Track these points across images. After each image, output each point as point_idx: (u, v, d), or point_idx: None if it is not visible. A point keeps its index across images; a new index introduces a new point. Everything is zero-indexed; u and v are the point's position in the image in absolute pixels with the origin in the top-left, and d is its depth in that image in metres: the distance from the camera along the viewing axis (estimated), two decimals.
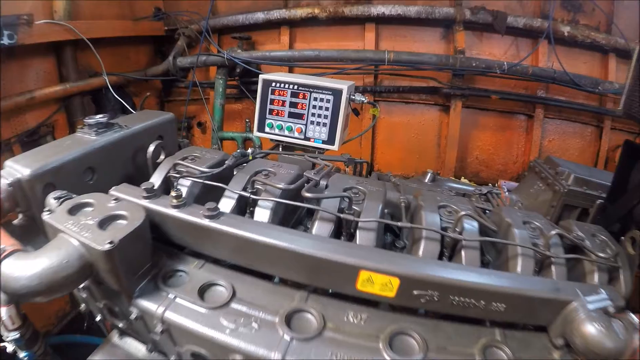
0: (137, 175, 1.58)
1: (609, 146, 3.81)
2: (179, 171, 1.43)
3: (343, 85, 1.73)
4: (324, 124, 1.78)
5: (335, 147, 1.79)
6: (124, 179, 1.61)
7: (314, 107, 1.77)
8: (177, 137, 3.78)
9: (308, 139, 1.82)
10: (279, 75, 1.85)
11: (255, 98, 1.86)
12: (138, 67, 3.96)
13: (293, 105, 1.80)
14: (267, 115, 1.85)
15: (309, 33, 3.62)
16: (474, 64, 3.14)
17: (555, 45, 3.39)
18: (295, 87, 1.78)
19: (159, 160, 1.64)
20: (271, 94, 1.82)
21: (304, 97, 1.78)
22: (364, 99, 1.87)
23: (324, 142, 1.80)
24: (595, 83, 3.50)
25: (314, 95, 1.76)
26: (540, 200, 2.05)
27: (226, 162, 1.37)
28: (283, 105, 1.81)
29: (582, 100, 3.69)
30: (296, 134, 1.82)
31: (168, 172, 1.41)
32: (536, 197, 2.10)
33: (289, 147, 1.95)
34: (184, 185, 1.34)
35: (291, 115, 1.81)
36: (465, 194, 2.02)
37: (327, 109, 1.76)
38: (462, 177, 2.45)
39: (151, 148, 1.59)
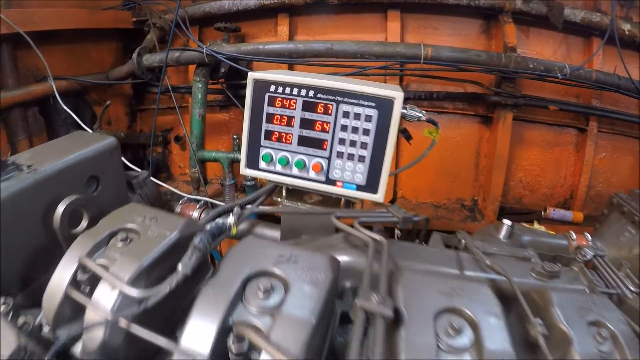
0: (53, 247, 0.90)
1: None
2: (92, 282, 0.68)
3: (394, 92, 0.99)
4: (361, 158, 1.03)
5: (379, 197, 1.04)
6: (29, 260, 0.93)
7: (344, 128, 1.02)
8: (148, 162, 2.92)
9: (333, 183, 1.06)
10: (283, 74, 1.09)
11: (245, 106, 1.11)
12: (102, 69, 3.19)
13: (307, 124, 1.05)
14: (262, 141, 1.09)
15: (315, 23, 2.83)
16: (531, 65, 2.42)
17: (612, 46, 2.72)
18: (312, 93, 1.03)
19: (77, 230, 0.92)
20: (269, 104, 1.07)
21: (326, 112, 1.02)
22: (421, 115, 1.14)
23: (359, 187, 1.05)
24: None
25: (343, 108, 1.01)
26: (637, 254, 1.58)
27: (179, 267, 0.60)
28: (289, 124, 1.06)
29: (633, 111, 3.07)
30: (312, 174, 1.07)
31: (74, 277, 0.68)
32: (630, 249, 1.63)
33: (296, 191, 1.20)
34: (100, 326, 0.59)
35: (304, 141, 1.06)
36: (556, 257, 1.46)
37: (366, 131, 1.01)
38: (535, 223, 1.77)
39: (59, 210, 0.89)
